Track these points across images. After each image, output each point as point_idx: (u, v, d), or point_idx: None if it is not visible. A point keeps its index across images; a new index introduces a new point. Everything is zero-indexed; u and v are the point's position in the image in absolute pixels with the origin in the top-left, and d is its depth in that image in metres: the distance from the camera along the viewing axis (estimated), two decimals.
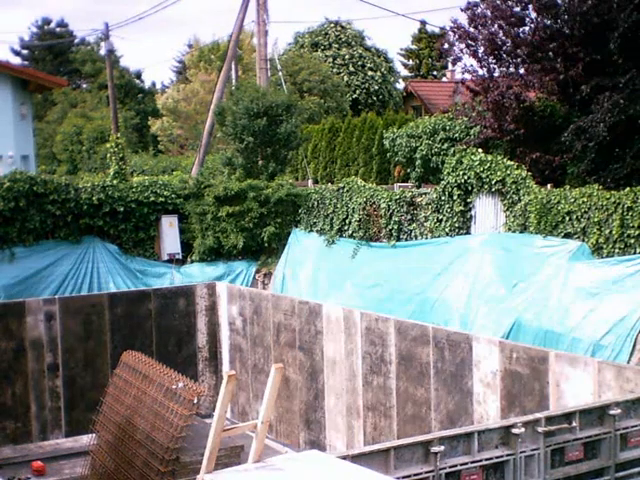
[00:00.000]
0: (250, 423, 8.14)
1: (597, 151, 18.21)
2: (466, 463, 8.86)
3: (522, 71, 20.07)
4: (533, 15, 19.16)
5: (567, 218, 15.73)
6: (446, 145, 22.04)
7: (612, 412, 9.73)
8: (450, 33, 20.69)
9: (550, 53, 18.73)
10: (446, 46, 21.75)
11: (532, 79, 19.16)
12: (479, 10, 19.80)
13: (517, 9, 19.36)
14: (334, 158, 30.37)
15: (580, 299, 14.22)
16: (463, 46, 20.19)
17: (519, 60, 19.75)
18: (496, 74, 20.39)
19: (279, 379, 7.80)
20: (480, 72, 20.58)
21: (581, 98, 18.70)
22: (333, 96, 40.87)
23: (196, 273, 22.41)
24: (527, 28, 19.23)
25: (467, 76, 21.43)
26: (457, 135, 21.87)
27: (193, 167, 27.15)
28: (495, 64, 20.18)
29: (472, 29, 19.91)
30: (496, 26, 19.50)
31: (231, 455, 15.17)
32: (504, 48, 19.71)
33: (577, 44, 18.33)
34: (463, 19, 20.20)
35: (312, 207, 21.88)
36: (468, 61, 20.76)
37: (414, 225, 18.94)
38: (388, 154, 25.16)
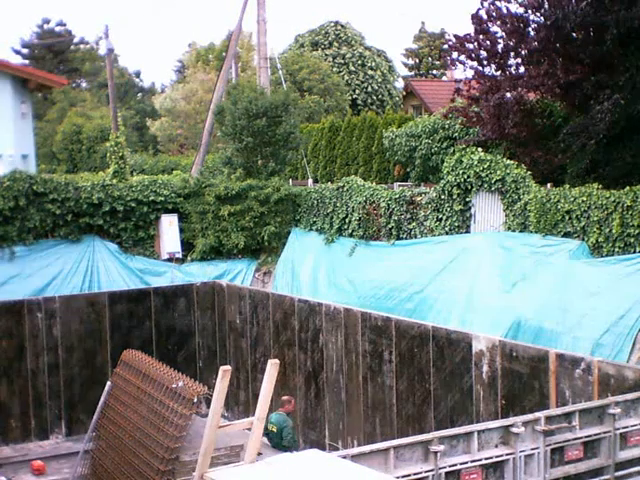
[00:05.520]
0: (246, 420, 8.15)
1: (596, 150, 18.20)
2: (466, 462, 8.86)
3: (521, 70, 20.05)
4: (535, 18, 19.14)
5: (567, 217, 15.73)
6: (445, 144, 22.04)
7: (612, 411, 9.73)
8: (451, 38, 20.63)
9: (552, 55, 18.70)
10: (446, 46, 21.73)
11: (534, 82, 19.14)
12: (483, 12, 19.78)
13: (520, 11, 19.35)
14: (334, 157, 30.35)
15: (580, 298, 14.23)
16: (464, 55, 20.16)
17: (519, 61, 19.73)
18: (496, 74, 20.36)
19: (275, 374, 7.80)
20: (481, 73, 20.52)
21: (582, 97, 18.69)
22: (333, 95, 40.88)
23: (196, 272, 22.40)
24: (530, 29, 19.20)
25: (469, 74, 21.37)
26: (457, 134, 21.87)
27: (193, 166, 27.14)
28: (496, 68, 20.14)
29: (475, 35, 19.87)
30: (499, 30, 19.49)
31: (231, 454, 15.15)
32: (506, 53, 19.69)
33: (578, 45, 18.31)
34: (465, 22, 20.28)
35: (312, 206, 21.89)
36: (469, 64, 20.61)
37: (414, 224, 18.94)
38: (387, 153, 25.15)
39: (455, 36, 20.35)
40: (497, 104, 19.31)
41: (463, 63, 20.58)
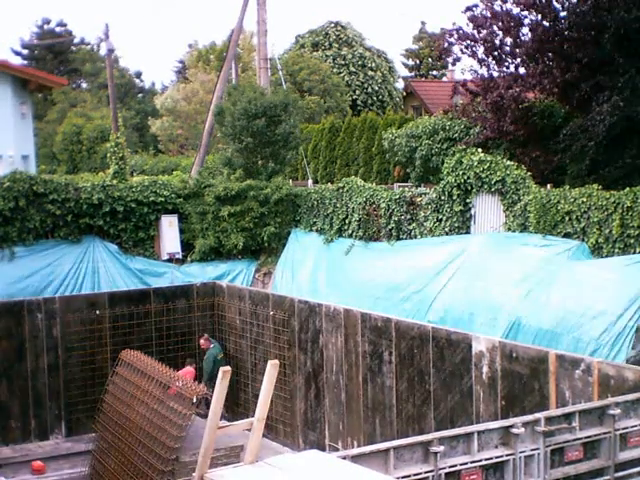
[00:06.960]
0: (246, 421, 8.15)
1: (596, 151, 18.21)
2: (466, 463, 8.86)
3: (522, 71, 20.08)
4: (531, 17, 19.14)
5: (567, 218, 15.73)
6: (446, 145, 22.02)
7: (612, 412, 9.74)
8: (449, 35, 20.67)
9: (549, 54, 18.71)
10: (445, 45, 21.70)
11: (531, 80, 19.16)
12: (478, 11, 19.81)
13: (516, 10, 19.36)
14: (334, 158, 30.37)
15: (579, 298, 14.22)
16: (463, 46, 20.20)
17: (518, 61, 19.76)
18: (495, 74, 20.40)
19: (274, 375, 7.81)
20: (480, 72, 20.57)
21: (580, 97, 18.70)
22: (333, 96, 40.87)
23: (196, 272, 22.39)
24: (526, 29, 19.23)
25: (467, 76, 21.45)
26: (457, 135, 21.86)
27: (193, 167, 27.14)
28: (495, 65, 20.17)
29: (472, 30, 19.93)
30: (495, 27, 19.51)
31: (231, 455, 15.17)
32: (503, 49, 19.72)
33: (575, 45, 18.31)
34: (463, 21, 20.30)
35: (312, 207, 21.88)
36: (467, 61, 20.82)
37: (414, 225, 18.94)
38: (387, 155, 25.14)
39: (452, 31, 20.35)
40: (494, 101, 19.34)
41: (459, 57, 20.64)
